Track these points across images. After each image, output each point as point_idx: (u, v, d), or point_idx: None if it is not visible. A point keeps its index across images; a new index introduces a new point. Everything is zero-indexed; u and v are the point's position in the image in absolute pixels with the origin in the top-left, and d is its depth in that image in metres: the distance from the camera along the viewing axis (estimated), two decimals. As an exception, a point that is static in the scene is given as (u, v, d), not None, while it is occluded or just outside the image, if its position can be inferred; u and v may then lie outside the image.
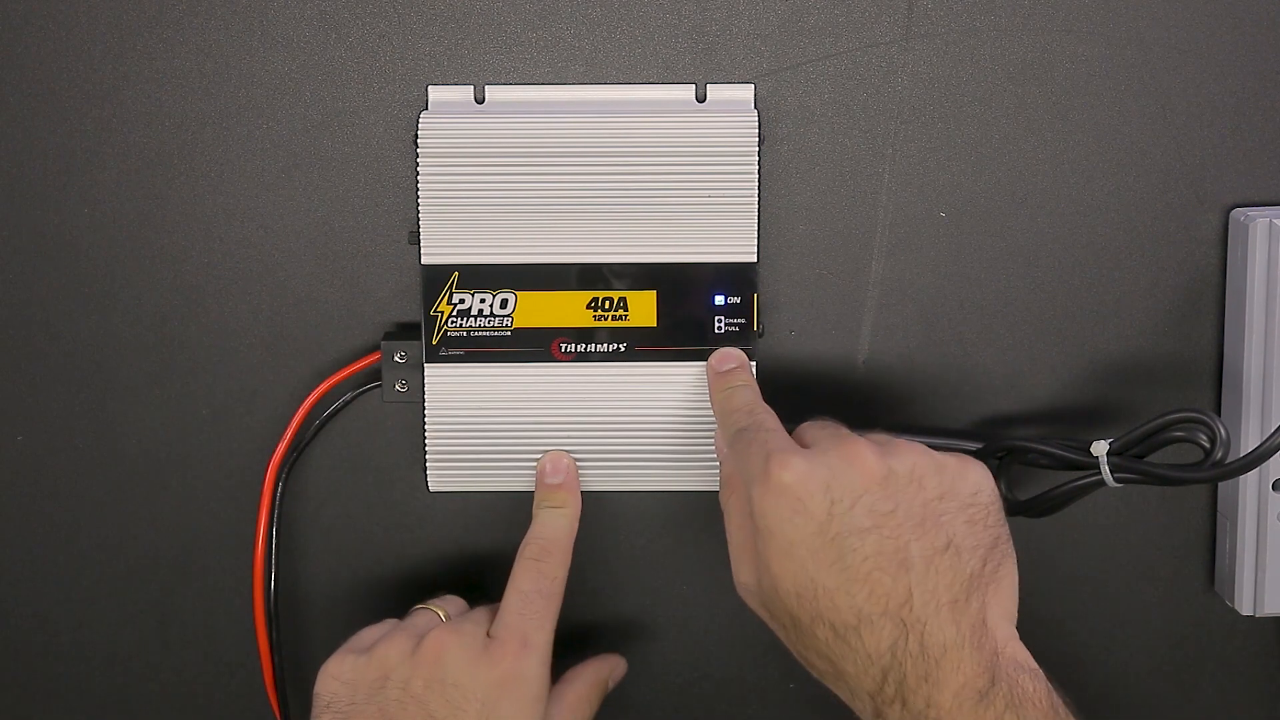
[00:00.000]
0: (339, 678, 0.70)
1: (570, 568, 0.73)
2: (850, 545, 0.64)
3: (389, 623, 0.73)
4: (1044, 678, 0.64)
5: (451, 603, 0.74)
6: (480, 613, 0.73)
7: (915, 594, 0.64)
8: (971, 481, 0.67)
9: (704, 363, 0.75)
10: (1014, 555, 0.67)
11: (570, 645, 0.81)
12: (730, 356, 0.75)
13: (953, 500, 0.66)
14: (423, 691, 0.68)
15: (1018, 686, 0.63)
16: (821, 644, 0.65)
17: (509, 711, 0.69)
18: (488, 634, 0.71)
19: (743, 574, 0.68)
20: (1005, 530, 0.67)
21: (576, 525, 0.75)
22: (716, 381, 0.74)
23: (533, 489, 0.77)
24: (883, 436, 0.69)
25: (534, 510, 0.75)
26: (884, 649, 0.63)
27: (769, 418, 0.70)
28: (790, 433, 0.70)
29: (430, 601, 0.74)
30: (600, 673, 0.77)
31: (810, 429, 0.70)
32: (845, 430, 0.69)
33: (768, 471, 0.66)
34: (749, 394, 0.73)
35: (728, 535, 0.69)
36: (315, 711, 0.70)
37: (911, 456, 0.67)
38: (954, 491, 0.66)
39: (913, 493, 0.66)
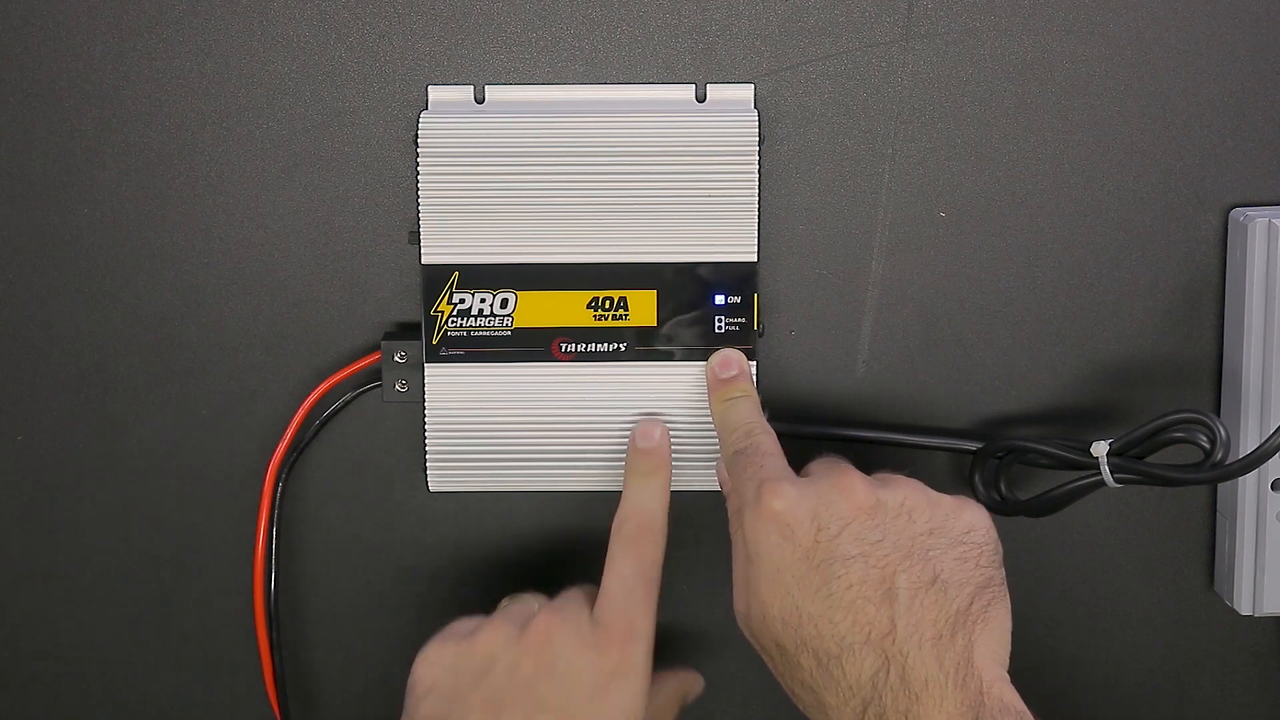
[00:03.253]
0: (439, 664, 0.69)
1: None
2: (835, 572, 0.64)
3: (479, 617, 0.71)
4: None
5: (538, 597, 0.72)
6: (577, 596, 0.70)
7: (899, 625, 0.63)
8: (965, 520, 0.67)
9: (704, 363, 0.75)
10: (1007, 600, 0.66)
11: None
12: (731, 362, 0.75)
13: (943, 536, 0.66)
14: (532, 676, 0.67)
15: None
16: (805, 674, 0.64)
17: (618, 701, 0.67)
18: (590, 619, 0.69)
19: (739, 603, 0.68)
20: (1000, 574, 0.66)
21: (669, 497, 0.73)
22: (716, 390, 0.74)
23: (534, 489, 0.77)
24: (886, 474, 0.68)
25: (625, 478, 0.74)
26: (865, 680, 0.63)
27: (767, 439, 0.70)
28: (801, 468, 0.70)
29: (517, 596, 0.72)
30: (682, 685, 0.76)
31: (814, 464, 0.70)
32: (846, 464, 0.69)
33: (759, 498, 0.66)
34: (749, 408, 0.73)
35: (733, 567, 0.68)
36: (414, 699, 0.68)
37: (904, 490, 0.67)
38: (945, 528, 0.66)
39: (902, 525, 0.66)
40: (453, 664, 0.68)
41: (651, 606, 0.70)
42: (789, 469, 0.69)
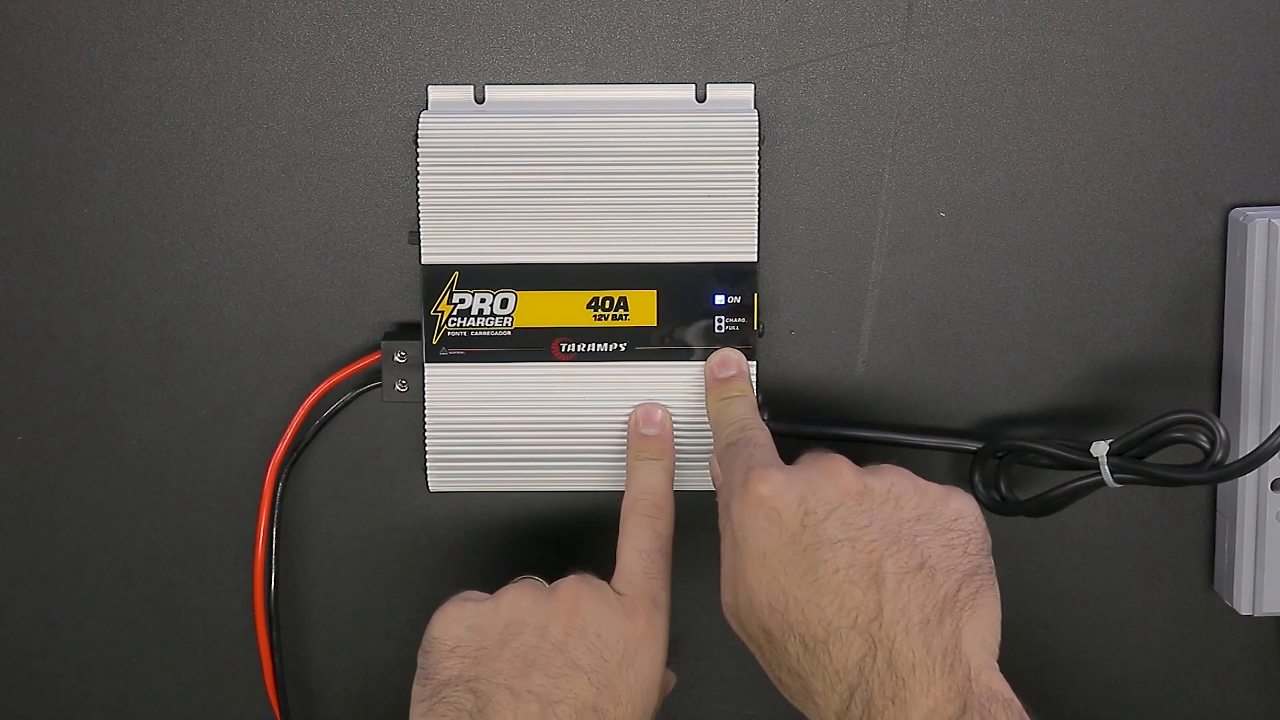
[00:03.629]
0: (462, 622, 0.68)
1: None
2: (822, 556, 0.64)
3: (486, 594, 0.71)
4: (1020, 709, 0.62)
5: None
6: (588, 575, 0.71)
7: (885, 610, 0.63)
8: (953, 508, 0.67)
9: (704, 363, 0.75)
10: (996, 588, 0.66)
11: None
12: (730, 362, 0.75)
13: (930, 523, 0.66)
14: (562, 638, 0.67)
15: (990, 717, 0.61)
16: (792, 659, 0.64)
17: (644, 668, 0.68)
18: (613, 590, 0.70)
19: (726, 594, 0.68)
20: (988, 562, 0.66)
21: (673, 478, 0.74)
22: (714, 389, 0.75)
23: (534, 489, 0.77)
24: (875, 465, 0.68)
25: (629, 462, 0.75)
26: (851, 665, 0.62)
27: (760, 434, 0.70)
28: (791, 462, 0.70)
29: (524, 577, 0.72)
30: (664, 677, 0.76)
31: (803, 456, 0.70)
32: (834, 454, 0.69)
33: (746, 483, 0.66)
34: (744, 406, 0.73)
35: (721, 559, 0.68)
36: (434, 658, 0.68)
37: (892, 477, 0.67)
38: (933, 514, 0.66)
39: (889, 510, 0.66)
40: (476, 623, 0.68)
41: (668, 579, 0.71)
42: (779, 459, 0.69)
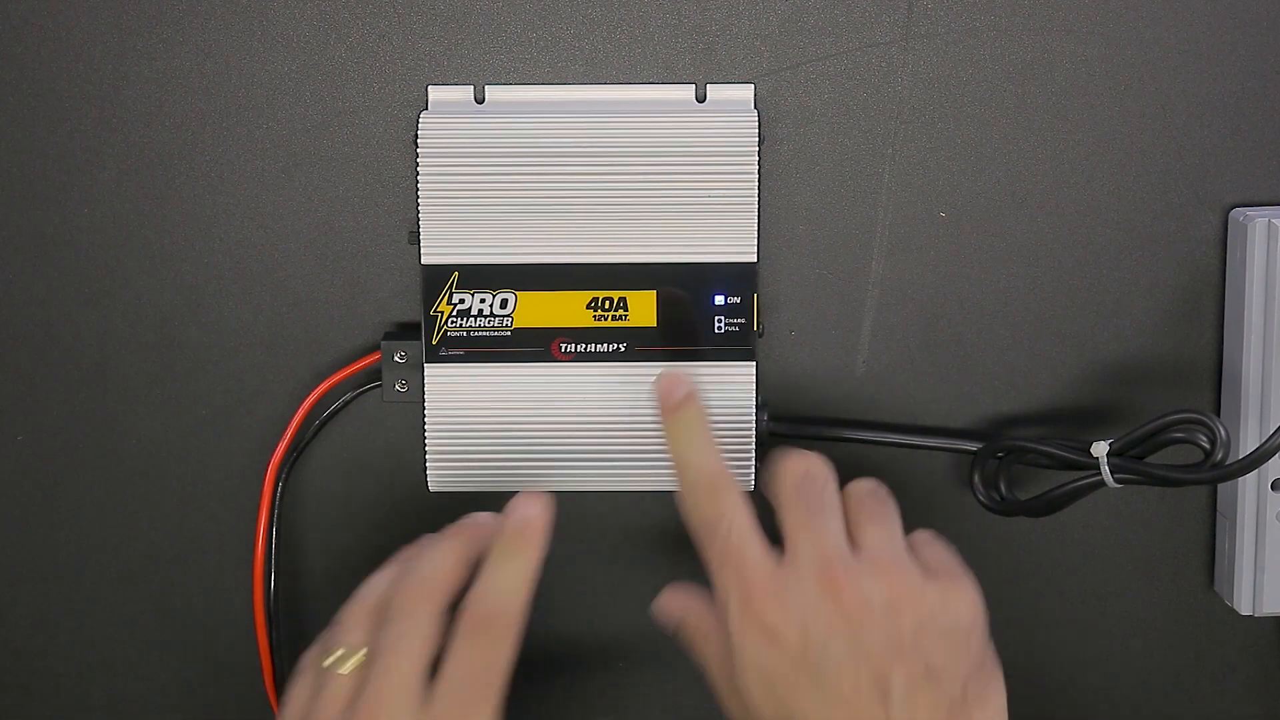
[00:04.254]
0: (296, 699, 0.67)
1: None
2: (827, 674, 0.64)
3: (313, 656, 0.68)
4: None
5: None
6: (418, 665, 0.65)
7: None
8: (951, 608, 0.66)
9: (704, 363, 0.75)
10: (999, 673, 0.66)
11: (570, 645, 0.81)
12: (678, 382, 0.71)
13: (931, 626, 0.65)
14: None
15: None
16: None
17: None
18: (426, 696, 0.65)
19: (732, 707, 0.67)
20: (989, 650, 0.66)
21: (532, 580, 0.68)
22: (668, 418, 0.70)
23: (534, 489, 0.77)
24: (871, 541, 0.67)
25: (488, 555, 0.69)
26: None
27: (739, 512, 0.67)
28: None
29: (343, 640, 0.67)
30: None
31: (788, 519, 0.68)
32: (831, 538, 0.67)
33: (746, 606, 0.65)
34: (707, 452, 0.69)
35: (706, 665, 0.68)
36: None
37: (889, 581, 0.66)
38: (933, 619, 0.66)
39: (890, 623, 0.65)
40: (304, 708, 0.66)
41: (493, 696, 0.65)
42: (764, 550, 0.67)
